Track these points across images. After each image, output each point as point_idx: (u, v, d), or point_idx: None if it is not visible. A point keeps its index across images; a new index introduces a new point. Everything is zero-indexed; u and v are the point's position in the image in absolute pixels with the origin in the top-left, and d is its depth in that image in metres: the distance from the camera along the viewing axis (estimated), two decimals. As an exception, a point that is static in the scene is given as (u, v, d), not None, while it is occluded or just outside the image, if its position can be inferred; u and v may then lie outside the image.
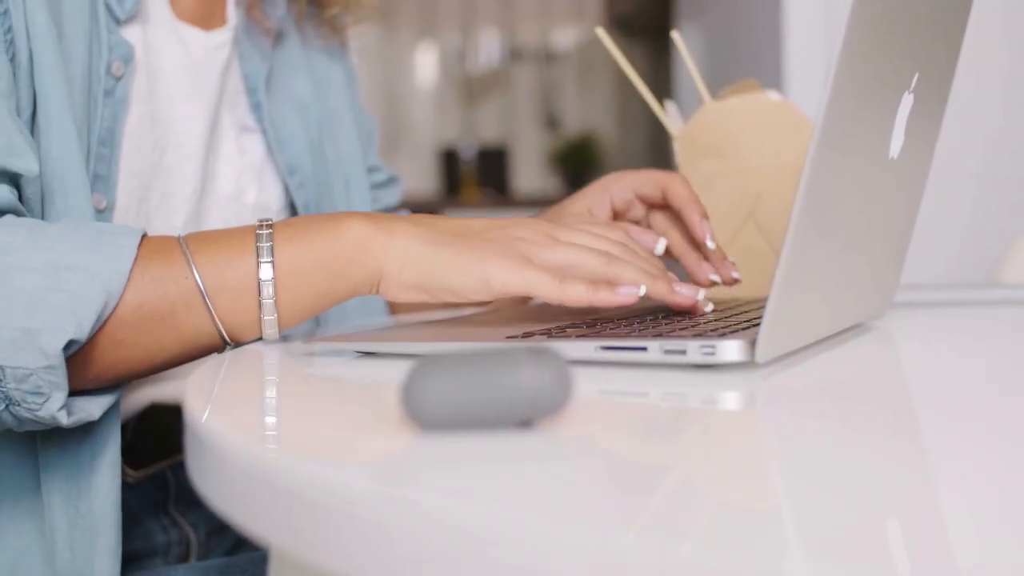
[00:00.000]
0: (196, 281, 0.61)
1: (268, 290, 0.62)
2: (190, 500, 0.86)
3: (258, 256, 0.62)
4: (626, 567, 0.26)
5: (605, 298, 0.61)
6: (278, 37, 0.92)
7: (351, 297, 0.64)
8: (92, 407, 0.63)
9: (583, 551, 0.27)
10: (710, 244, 0.71)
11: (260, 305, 0.62)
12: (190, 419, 0.46)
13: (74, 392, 0.61)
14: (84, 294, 0.58)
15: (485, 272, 0.61)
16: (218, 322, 0.62)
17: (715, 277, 0.73)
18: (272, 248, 0.62)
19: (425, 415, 0.38)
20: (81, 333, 0.57)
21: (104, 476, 0.68)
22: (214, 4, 0.86)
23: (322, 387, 0.57)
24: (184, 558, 0.87)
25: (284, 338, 0.70)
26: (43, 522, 0.68)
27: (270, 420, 0.48)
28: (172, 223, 0.81)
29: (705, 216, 0.73)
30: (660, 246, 0.71)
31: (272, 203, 0.89)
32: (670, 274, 0.67)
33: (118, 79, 0.75)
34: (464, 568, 0.29)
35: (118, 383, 0.65)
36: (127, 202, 0.77)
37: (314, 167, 0.91)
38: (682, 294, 0.64)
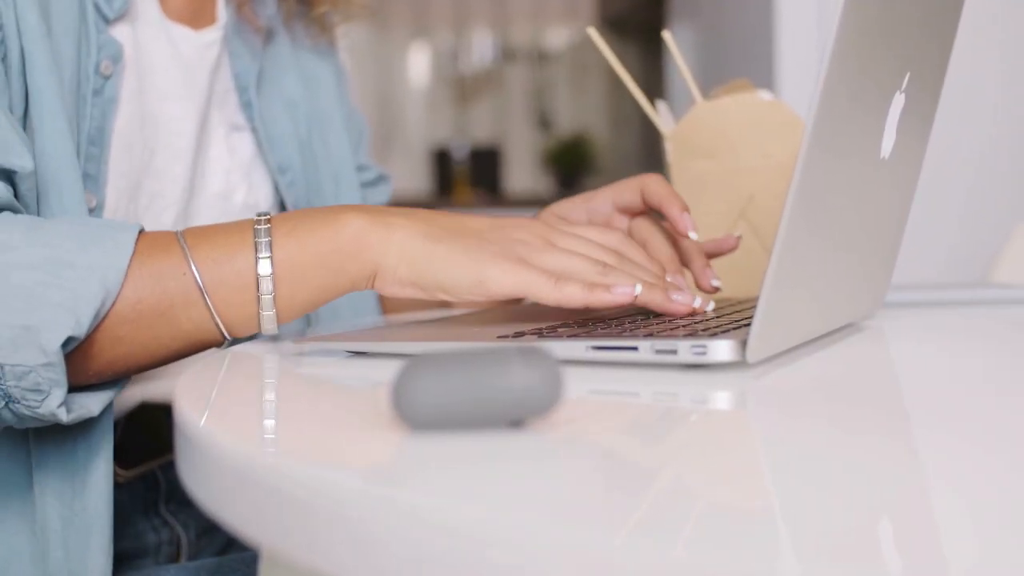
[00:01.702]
0: (194, 277, 0.61)
1: (267, 285, 0.62)
2: (180, 500, 0.86)
3: (256, 251, 0.62)
4: (618, 567, 0.26)
5: (601, 297, 0.60)
6: (268, 36, 0.92)
7: (350, 291, 0.64)
8: (92, 403, 0.63)
9: (575, 551, 0.27)
10: (692, 236, 0.71)
11: (259, 300, 0.62)
12: (181, 419, 0.45)
13: (74, 388, 0.61)
14: (82, 291, 0.58)
15: (482, 273, 0.61)
16: (216, 317, 0.62)
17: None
18: (270, 243, 0.62)
19: (415, 415, 0.38)
20: (80, 330, 0.57)
21: (100, 473, 0.68)
22: (204, 3, 0.86)
23: (313, 387, 0.57)
24: (174, 558, 0.86)
25: (275, 337, 0.70)
26: (34, 522, 0.68)
27: (261, 420, 0.48)
28: (161, 222, 0.81)
29: (685, 209, 0.72)
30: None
31: (261, 202, 0.89)
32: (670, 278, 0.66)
33: (107, 78, 0.75)
34: (455, 568, 0.29)
35: (117, 379, 0.65)
36: (116, 201, 0.76)
37: (304, 166, 0.91)
38: (679, 301, 0.63)
